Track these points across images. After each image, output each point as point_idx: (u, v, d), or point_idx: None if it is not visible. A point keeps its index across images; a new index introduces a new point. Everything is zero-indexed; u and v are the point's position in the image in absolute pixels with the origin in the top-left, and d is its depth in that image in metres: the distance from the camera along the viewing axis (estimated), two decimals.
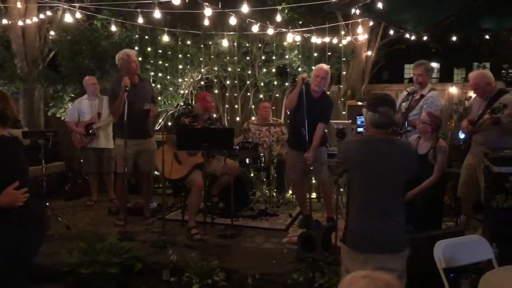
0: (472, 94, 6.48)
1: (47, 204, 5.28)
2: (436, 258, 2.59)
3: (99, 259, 3.64)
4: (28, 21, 6.87)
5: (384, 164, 2.64)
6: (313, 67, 6.44)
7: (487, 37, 7.69)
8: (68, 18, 6.05)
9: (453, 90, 6.96)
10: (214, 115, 7.11)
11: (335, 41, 6.55)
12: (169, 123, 6.96)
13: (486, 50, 11.50)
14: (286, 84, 7.08)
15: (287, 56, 6.89)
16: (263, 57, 7.05)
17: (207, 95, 5.47)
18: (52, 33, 7.25)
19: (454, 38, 6.83)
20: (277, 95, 7.19)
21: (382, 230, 2.62)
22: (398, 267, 2.62)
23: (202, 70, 7.33)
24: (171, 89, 7.20)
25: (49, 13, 6.97)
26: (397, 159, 2.69)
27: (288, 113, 5.41)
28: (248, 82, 7.16)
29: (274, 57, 6.91)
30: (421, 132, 4.49)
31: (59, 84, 7.05)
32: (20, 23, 6.93)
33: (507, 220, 3.61)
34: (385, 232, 2.63)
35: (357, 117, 3.26)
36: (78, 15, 6.13)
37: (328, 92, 5.74)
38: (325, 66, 5.06)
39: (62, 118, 7.09)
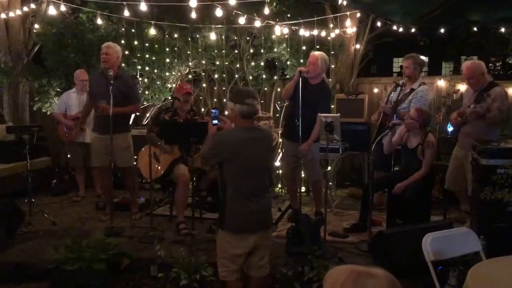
0: (460, 87, 6.49)
1: (33, 200, 5.19)
2: (425, 251, 2.59)
3: (85, 256, 3.58)
4: (11, 14, 6.73)
5: (256, 149, 2.93)
6: (301, 61, 6.43)
7: (475, 29, 7.70)
8: (52, 11, 5.93)
9: (441, 83, 6.97)
10: (201, 109, 7.08)
11: (323, 34, 6.51)
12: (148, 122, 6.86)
13: (473, 43, 11.54)
14: (275, 77, 7.04)
15: (275, 49, 6.83)
16: (251, 51, 6.99)
17: (184, 83, 5.49)
18: (36, 26, 7.11)
19: (442, 31, 6.82)
20: (265, 88, 7.15)
21: (258, 209, 2.91)
22: (269, 243, 3.06)
23: (190, 63, 7.25)
24: (158, 83, 7.12)
25: (33, 5, 6.83)
26: (264, 143, 3.04)
27: (287, 102, 5.48)
28: (236, 75, 7.10)
29: (262, 50, 6.86)
30: (409, 128, 4.46)
31: (44, 78, 6.91)
32: (3, 15, 6.78)
33: (495, 212, 3.62)
34: (260, 211, 2.94)
35: (212, 110, 3.35)
36: (63, 8, 6.01)
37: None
38: (316, 53, 5.00)
39: (48, 113, 6.98)
